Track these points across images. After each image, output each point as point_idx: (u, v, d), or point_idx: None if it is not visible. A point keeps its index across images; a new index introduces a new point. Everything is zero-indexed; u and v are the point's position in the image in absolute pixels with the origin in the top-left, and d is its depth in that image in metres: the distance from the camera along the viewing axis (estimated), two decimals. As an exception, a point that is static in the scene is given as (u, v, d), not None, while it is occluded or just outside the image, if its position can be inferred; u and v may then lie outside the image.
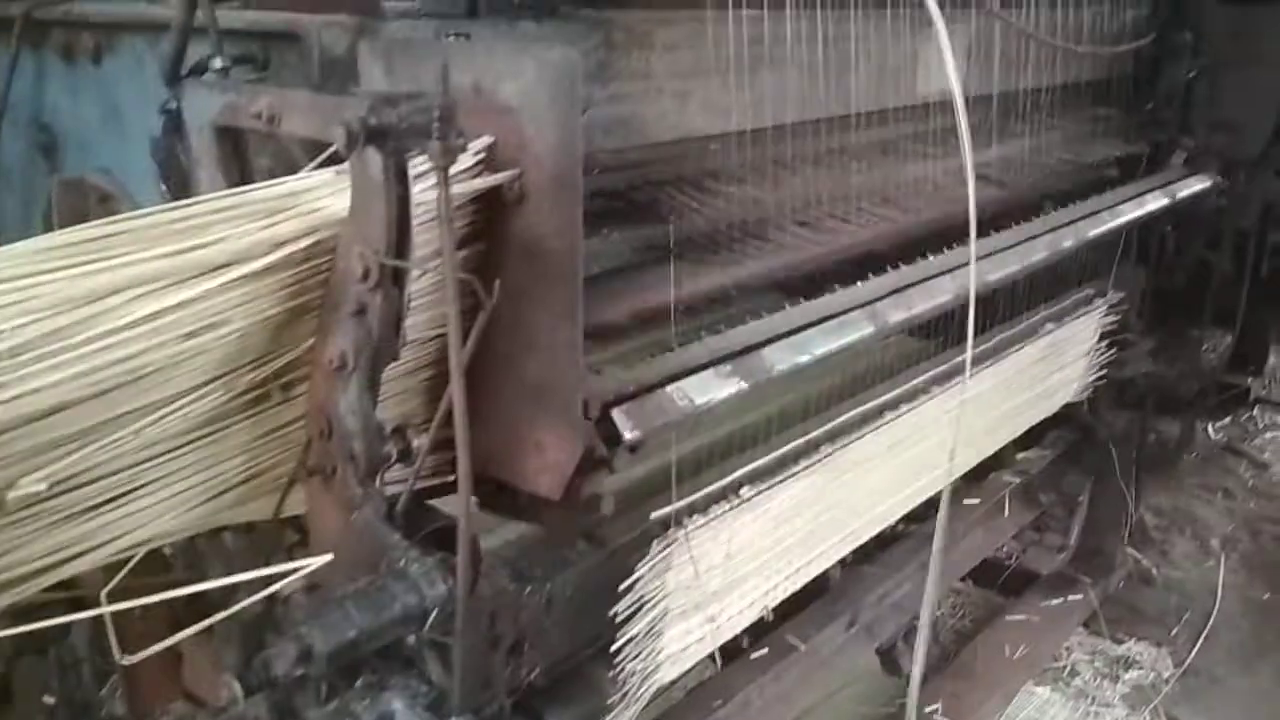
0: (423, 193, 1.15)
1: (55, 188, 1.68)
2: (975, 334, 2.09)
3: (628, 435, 1.39)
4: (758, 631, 2.52)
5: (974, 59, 2.49)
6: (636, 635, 1.80)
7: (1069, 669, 3.35)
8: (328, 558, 1.13)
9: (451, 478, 1.36)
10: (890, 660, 2.87)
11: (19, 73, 1.90)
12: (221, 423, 1.16)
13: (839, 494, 2.26)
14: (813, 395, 2.24)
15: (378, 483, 1.16)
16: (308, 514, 1.23)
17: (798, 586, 2.24)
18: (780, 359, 1.71)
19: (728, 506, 1.91)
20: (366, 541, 1.15)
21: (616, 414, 1.39)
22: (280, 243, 1.07)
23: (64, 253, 0.98)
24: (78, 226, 1.02)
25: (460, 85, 1.26)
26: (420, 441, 1.15)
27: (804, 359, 1.75)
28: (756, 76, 1.88)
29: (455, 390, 1.06)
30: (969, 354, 1.95)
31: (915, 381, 2.41)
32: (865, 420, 2.27)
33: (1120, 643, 3.40)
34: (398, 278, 1.09)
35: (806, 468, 2.10)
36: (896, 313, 1.95)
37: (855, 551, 2.77)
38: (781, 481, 2.04)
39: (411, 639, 1.17)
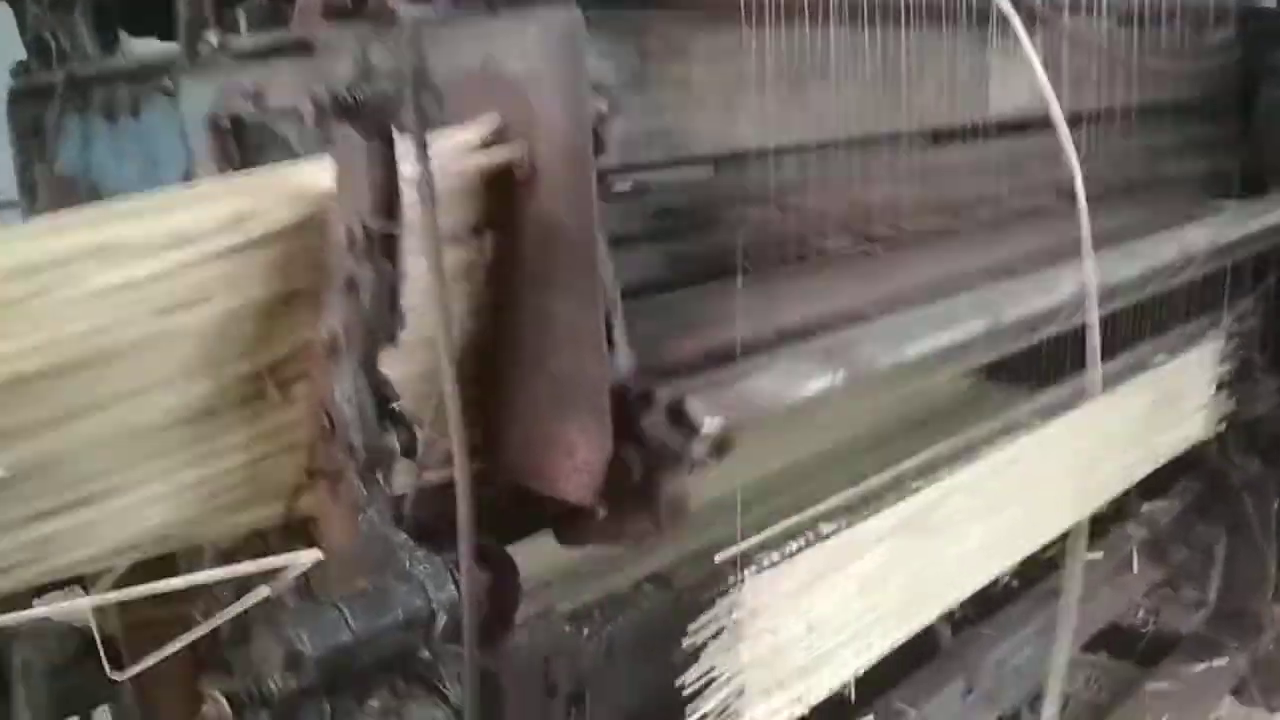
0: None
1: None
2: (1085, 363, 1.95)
3: (707, 426, 1.25)
4: (860, 698, 2.35)
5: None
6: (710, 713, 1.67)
7: (1222, 741, 3.06)
8: (315, 553, 1.03)
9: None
10: (1017, 730, 2.65)
11: (69, 142, 1.90)
12: (212, 419, 1.07)
13: (933, 553, 2.09)
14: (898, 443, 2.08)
15: (385, 481, 1.06)
16: (318, 521, 1.14)
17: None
18: (883, 351, 1.56)
19: (801, 549, 1.77)
20: (374, 546, 1.05)
21: (691, 402, 1.26)
22: (262, 216, 1.00)
23: (26, 228, 0.93)
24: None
25: (468, 66, 1.19)
26: (424, 434, 1.04)
27: (911, 351, 1.59)
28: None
29: (445, 380, 0.97)
30: (1096, 360, 1.79)
31: (1021, 415, 2.25)
32: (962, 463, 2.11)
33: (1275, 711, 3.09)
34: (389, 248, 1.00)
35: (892, 521, 1.95)
36: (1012, 308, 1.79)
37: (965, 610, 2.60)
38: (863, 531, 1.89)
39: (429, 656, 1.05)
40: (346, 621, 0.95)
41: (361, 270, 1.00)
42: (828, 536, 1.81)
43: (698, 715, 1.63)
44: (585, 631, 1.47)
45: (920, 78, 1.98)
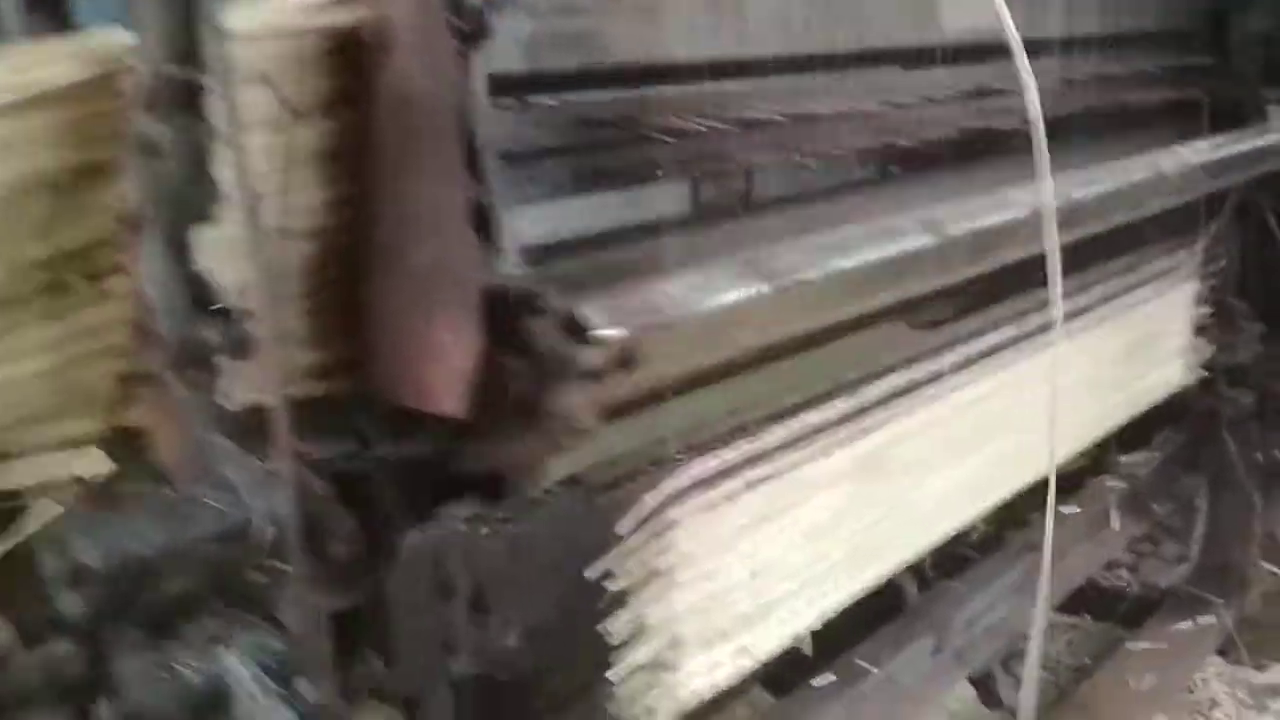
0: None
1: None
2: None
3: (602, 331, 1.12)
4: (819, 655, 2.22)
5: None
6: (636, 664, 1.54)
7: (1207, 702, 2.93)
8: (100, 459, 0.89)
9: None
10: (988, 691, 2.53)
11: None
12: (3, 310, 0.94)
13: (890, 499, 1.96)
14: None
15: (206, 380, 0.92)
16: (148, 434, 1.00)
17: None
18: (811, 265, 1.42)
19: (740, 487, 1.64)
20: (200, 456, 0.91)
21: (583, 307, 1.13)
22: (41, 74, 0.86)
23: None
24: None
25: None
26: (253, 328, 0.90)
27: (842, 266, 1.45)
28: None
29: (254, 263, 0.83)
30: (1057, 289, 1.66)
31: (981, 351, 2.12)
32: (917, 398, 1.98)
33: (1263, 669, 2.97)
34: (192, 103, 0.86)
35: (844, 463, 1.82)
36: (958, 223, 1.65)
37: (934, 567, 2.48)
38: (811, 471, 1.76)
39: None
40: (143, 533, 0.82)
41: (162, 131, 0.87)
42: (769, 475, 1.69)
43: (626, 666, 1.52)
44: (484, 530, 1.32)
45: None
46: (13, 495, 0.98)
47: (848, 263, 1.46)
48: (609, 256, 1.49)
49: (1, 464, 1.01)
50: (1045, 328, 2.10)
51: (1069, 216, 1.85)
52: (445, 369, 1.06)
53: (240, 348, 0.92)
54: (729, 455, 1.63)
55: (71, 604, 0.83)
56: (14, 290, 0.93)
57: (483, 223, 1.08)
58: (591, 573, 1.43)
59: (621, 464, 1.50)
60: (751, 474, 1.66)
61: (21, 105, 0.87)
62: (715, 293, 1.28)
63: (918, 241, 1.57)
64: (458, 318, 1.04)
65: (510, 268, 1.14)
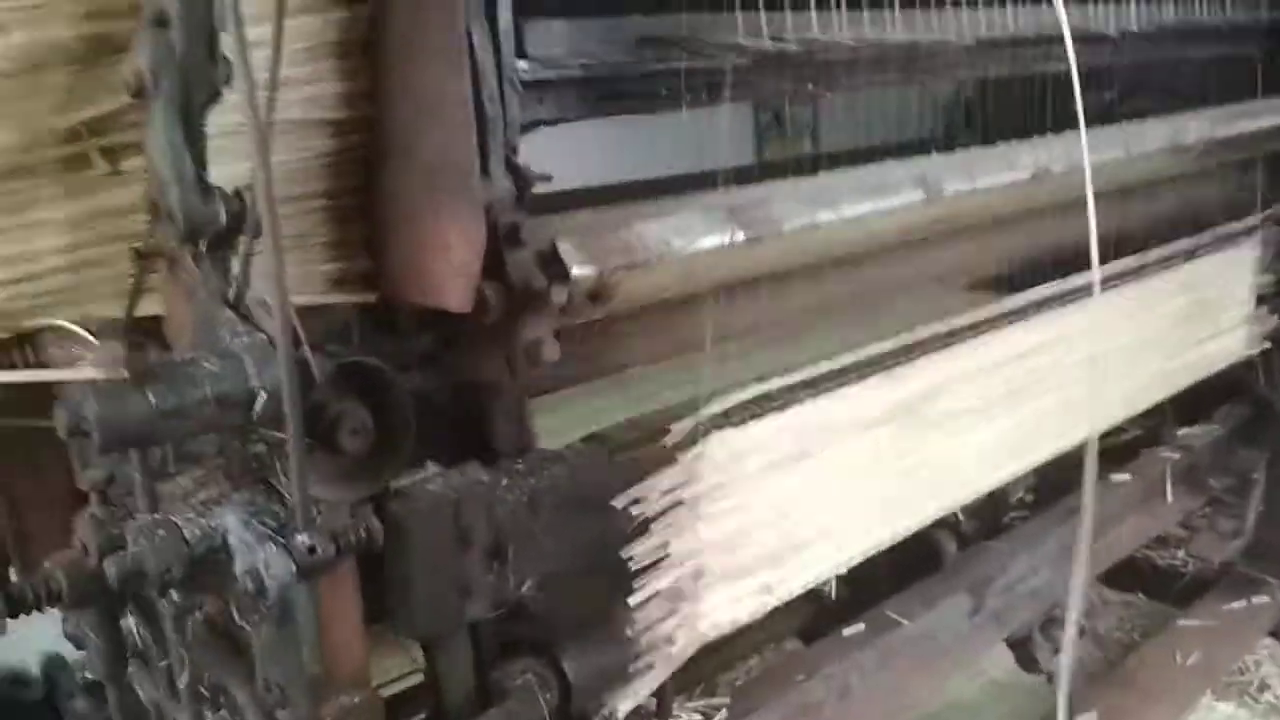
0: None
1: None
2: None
3: (576, 269, 1.15)
4: (850, 606, 2.21)
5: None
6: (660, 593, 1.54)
7: (1257, 683, 2.87)
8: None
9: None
10: (1026, 655, 2.49)
11: None
12: (24, 180, 0.97)
13: (928, 450, 1.94)
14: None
15: (213, 254, 0.95)
16: (165, 314, 1.03)
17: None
18: (793, 214, 1.43)
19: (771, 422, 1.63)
20: (208, 329, 0.94)
21: (564, 245, 1.16)
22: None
23: None
24: None
25: None
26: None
27: (826, 217, 1.46)
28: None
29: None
30: (1094, 250, 1.63)
31: (1021, 304, 2.08)
32: (959, 348, 1.96)
33: (1318, 653, 2.90)
34: (202, -25, 0.89)
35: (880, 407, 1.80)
36: (954, 181, 1.64)
37: (974, 524, 2.45)
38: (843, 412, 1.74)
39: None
40: (142, 391, 0.85)
41: (169, 1, 0.89)
42: (802, 411, 1.68)
43: (646, 591, 1.52)
44: (504, 481, 1.35)
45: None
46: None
47: (830, 216, 1.46)
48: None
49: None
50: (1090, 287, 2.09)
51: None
52: (451, 263, 1.08)
53: (243, 227, 0.95)
54: (760, 391, 1.64)
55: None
56: (36, 159, 0.97)
57: (477, 133, 1.10)
58: (614, 508, 1.45)
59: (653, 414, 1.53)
60: (783, 412, 1.65)
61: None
62: (692, 237, 1.29)
63: (904, 198, 1.56)
64: (463, 213, 1.06)
65: (500, 190, 1.15)
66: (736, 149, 3.23)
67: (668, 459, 1.49)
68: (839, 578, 1.89)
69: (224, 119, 0.97)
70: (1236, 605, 2.91)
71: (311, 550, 0.88)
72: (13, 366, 1.04)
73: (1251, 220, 2.55)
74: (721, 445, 1.56)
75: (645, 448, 1.51)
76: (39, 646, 1.46)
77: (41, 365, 1.04)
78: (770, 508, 1.67)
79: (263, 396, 0.88)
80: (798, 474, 1.69)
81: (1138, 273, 2.26)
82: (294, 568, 0.88)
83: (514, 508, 1.37)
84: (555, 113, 1.37)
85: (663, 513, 1.50)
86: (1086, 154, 1.59)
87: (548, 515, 1.39)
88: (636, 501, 1.47)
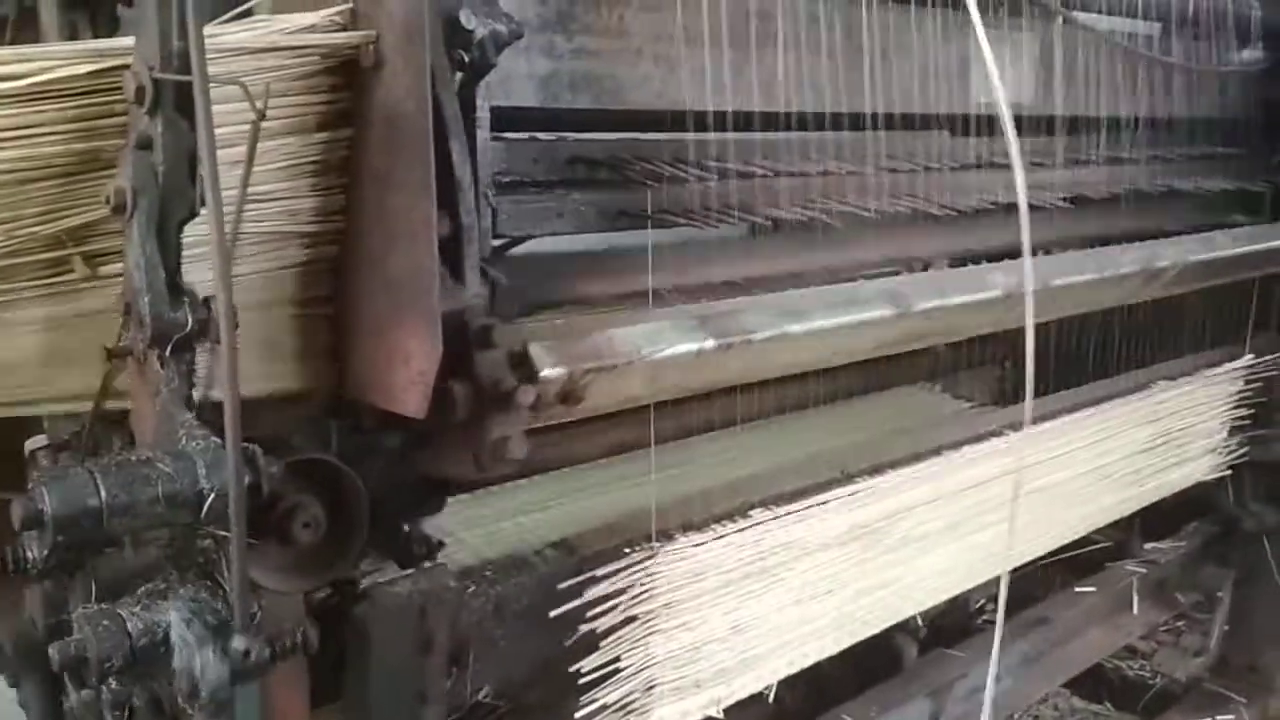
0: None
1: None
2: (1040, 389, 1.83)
3: (546, 371, 1.21)
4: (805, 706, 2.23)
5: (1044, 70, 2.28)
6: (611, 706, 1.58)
7: (1226, 804, 2.87)
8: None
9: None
10: (986, 763, 2.50)
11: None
12: (8, 281, 1.04)
13: (883, 572, 1.97)
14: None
15: (179, 360, 1.01)
16: (131, 410, 1.09)
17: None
18: (763, 325, 1.48)
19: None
20: (167, 429, 1.00)
21: (534, 347, 1.22)
22: (52, 67, 0.97)
23: None
24: None
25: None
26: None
27: (795, 329, 1.51)
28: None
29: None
30: (1029, 382, 1.67)
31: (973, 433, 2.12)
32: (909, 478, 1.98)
33: (1281, 775, 2.90)
34: (182, 104, 0.95)
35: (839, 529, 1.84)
36: (924, 299, 1.69)
37: (933, 630, 2.48)
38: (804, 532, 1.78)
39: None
40: (96, 486, 0.90)
41: (155, 128, 0.96)
42: (761, 530, 1.72)
43: (596, 706, 1.55)
44: (471, 588, 1.40)
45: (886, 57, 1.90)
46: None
47: (797, 328, 1.51)
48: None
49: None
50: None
51: (1049, 300, 1.86)
52: (410, 372, 1.14)
53: (206, 334, 1.01)
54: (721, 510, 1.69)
55: (31, 549, 0.92)
56: (19, 263, 1.03)
57: (453, 244, 1.16)
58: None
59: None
60: (742, 532, 1.69)
61: (38, 97, 0.98)
62: (662, 343, 1.34)
63: (874, 314, 1.61)
64: (423, 326, 1.12)
65: (472, 297, 1.22)
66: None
67: (629, 568, 1.54)
68: (796, 678, 1.91)
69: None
70: (1201, 721, 2.93)
71: (246, 654, 0.93)
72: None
73: (1226, 350, 2.61)
74: (678, 562, 1.60)
75: (612, 557, 1.55)
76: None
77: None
78: (725, 624, 1.70)
79: (211, 498, 0.93)
80: (754, 592, 1.72)
81: (1105, 401, 2.32)
82: (227, 672, 0.92)
83: (479, 615, 1.42)
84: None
85: (617, 626, 1.54)
86: (1029, 281, 1.65)
87: (511, 622, 1.44)
88: (592, 611, 1.51)
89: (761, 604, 1.74)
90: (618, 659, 1.55)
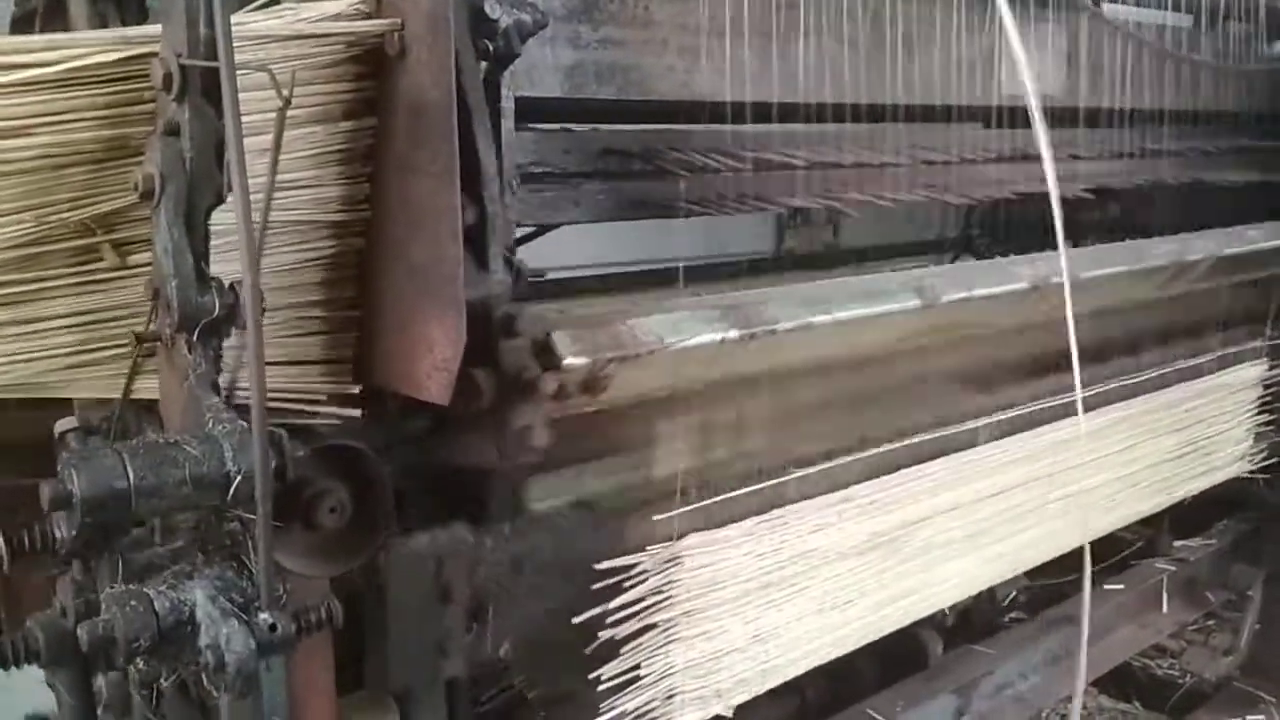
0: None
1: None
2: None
3: (568, 359, 1.21)
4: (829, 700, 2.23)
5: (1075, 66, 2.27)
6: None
7: (1252, 803, 2.85)
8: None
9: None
10: (1013, 759, 2.49)
11: None
12: (39, 269, 1.05)
13: (909, 580, 1.97)
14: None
15: (206, 344, 1.02)
16: (160, 395, 1.11)
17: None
18: (787, 316, 1.48)
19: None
20: (195, 413, 1.01)
21: (557, 335, 1.22)
22: (82, 53, 0.98)
23: None
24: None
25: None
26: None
27: (820, 320, 1.51)
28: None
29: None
30: (1076, 375, 1.67)
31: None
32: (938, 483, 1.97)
33: (1312, 775, 2.87)
34: (210, 91, 0.97)
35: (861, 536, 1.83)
36: (951, 290, 1.69)
37: (959, 622, 2.47)
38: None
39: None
40: (124, 468, 0.91)
41: (183, 115, 0.97)
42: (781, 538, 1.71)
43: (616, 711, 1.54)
44: (489, 542, 1.40)
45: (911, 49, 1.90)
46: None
47: (822, 319, 1.51)
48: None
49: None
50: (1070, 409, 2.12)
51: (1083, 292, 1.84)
52: (434, 359, 1.15)
53: (235, 318, 1.02)
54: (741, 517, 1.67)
55: (60, 529, 0.93)
56: (48, 252, 1.05)
57: (478, 232, 1.17)
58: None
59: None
60: (761, 537, 1.68)
61: (68, 84, 0.99)
62: (685, 333, 1.34)
63: (900, 305, 1.60)
64: (445, 309, 1.13)
65: (496, 285, 1.22)
66: (755, 240, 3.31)
67: (652, 532, 1.54)
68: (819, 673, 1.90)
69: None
70: (1230, 721, 2.91)
71: (273, 628, 0.94)
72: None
73: (1258, 342, 2.58)
74: (697, 571, 1.60)
75: (632, 517, 1.54)
76: (24, 707, 1.51)
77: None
78: (746, 634, 1.69)
79: (237, 480, 0.95)
80: (774, 601, 1.71)
81: (1133, 390, 2.30)
82: (254, 645, 0.93)
83: (497, 568, 1.41)
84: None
85: (636, 634, 1.54)
86: (1066, 273, 1.65)
87: (530, 578, 1.44)
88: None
89: (781, 613, 1.73)
90: (637, 666, 1.55)
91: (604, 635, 1.50)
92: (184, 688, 1.13)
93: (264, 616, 0.94)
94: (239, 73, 0.92)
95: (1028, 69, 1.58)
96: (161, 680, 1.02)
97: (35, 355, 1.08)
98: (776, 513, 1.69)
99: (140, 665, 0.98)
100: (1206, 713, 2.95)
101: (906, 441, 1.91)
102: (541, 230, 1.77)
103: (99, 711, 1.25)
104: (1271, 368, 2.64)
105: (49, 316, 1.09)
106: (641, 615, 1.53)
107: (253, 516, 0.95)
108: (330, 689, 1.32)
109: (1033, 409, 2.10)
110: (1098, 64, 2.31)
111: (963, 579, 2.07)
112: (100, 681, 1.16)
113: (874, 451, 1.85)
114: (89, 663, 1.09)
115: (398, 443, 1.28)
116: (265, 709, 1.14)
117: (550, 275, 1.55)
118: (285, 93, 0.94)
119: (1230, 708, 2.94)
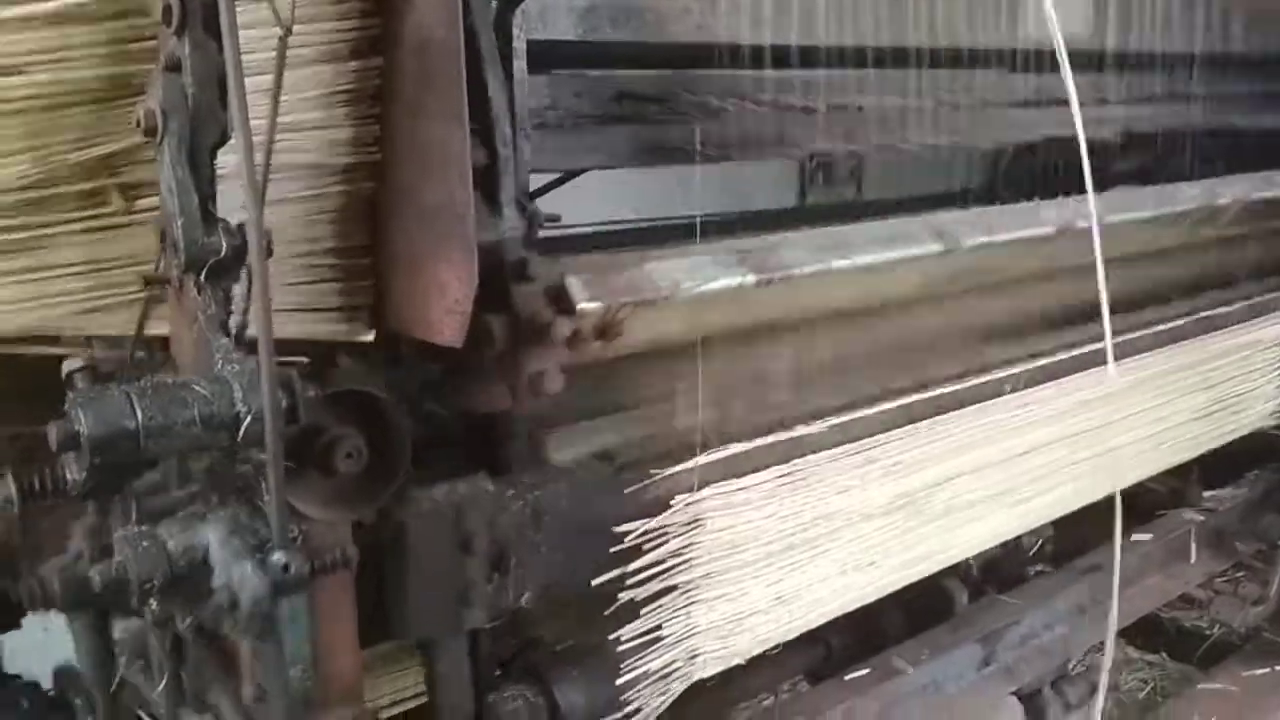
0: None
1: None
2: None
3: (582, 304, 1.20)
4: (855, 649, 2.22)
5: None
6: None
7: (1278, 753, 2.82)
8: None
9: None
10: (1036, 708, 2.48)
11: None
12: (47, 213, 1.05)
13: (931, 542, 1.95)
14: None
15: (213, 285, 1.01)
16: (170, 336, 1.10)
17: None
18: (805, 260, 1.46)
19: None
20: (205, 354, 1.00)
21: (571, 279, 1.21)
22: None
23: None
24: None
25: None
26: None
27: (838, 264, 1.49)
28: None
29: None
30: (1106, 321, 1.64)
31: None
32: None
33: (1341, 725, 2.85)
34: (210, 24, 0.95)
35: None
36: (971, 234, 1.66)
37: (984, 572, 2.45)
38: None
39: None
40: (133, 408, 0.91)
41: (183, 49, 0.96)
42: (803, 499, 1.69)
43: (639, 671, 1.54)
44: (509, 492, 1.39)
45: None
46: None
47: (841, 263, 1.48)
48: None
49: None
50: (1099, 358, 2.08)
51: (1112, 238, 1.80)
52: (446, 302, 1.14)
53: (243, 258, 1.01)
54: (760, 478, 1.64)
55: (69, 470, 0.93)
56: (55, 192, 1.04)
57: (489, 175, 1.16)
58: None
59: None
60: (784, 499, 1.66)
61: (67, 20, 0.98)
62: (702, 278, 1.32)
63: (923, 249, 1.58)
64: (458, 256, 1.11)
65: (509, 229, 1.21)
66: (778, 195, 3.27)
67: (674, 485, 1.52)
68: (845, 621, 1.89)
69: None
70: (1260, 671, 2.88)
71: (286, 568, 0.93)
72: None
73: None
74: (717, 532, 1.57)
75: (653, 469, 1.52)
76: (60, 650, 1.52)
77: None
78: (767, 595, 1.67)
79: (248, 420, 0.94)
80: (797, 563, 1.70)
81: (1164, 339, 2.26)
82: (268, 584, 0.93)
83: (517, 518, 1.40)
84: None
85: (657, 595, 1.52)
86: (1095, 216, 1.61)
87: (551, 528, 1.44)
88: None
89: (805, 575, 1.71)
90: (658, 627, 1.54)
91: (624, 596, 1.48)
92: (200, 632, 1.12)
93: (278, 556, 0.93)
94: (239, 6, 0.90)
95: (1053, 10, 1.55)
96: (179, 624, 1.02)
97: (46, 301, 1.07)
98: (799, 473, 1.66)
99: (154, 606, 0.97)
100: (1235, 663, 2.92)
101: (930, 393, 1.90)
102: (559, 181, 1.75)
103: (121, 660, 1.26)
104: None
105: (59, 264, 1.08)
106: (662, 577, 1.52)
107: (265, 457, 0.95)
108: (353, 640, 1.32)
109: (1060, 359, 2.06)
110: (1126, 4, 2.26)
111: (988, 536, 2.05)
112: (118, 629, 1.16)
113: (897, 403, 1.84)
114: (105, 607, 1.09)
115: (414, 389, 1.27)
116: (288, 659, 1.14)
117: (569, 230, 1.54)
118: (285, 20, 0.92)
119: (1259, 659, 2.92)
